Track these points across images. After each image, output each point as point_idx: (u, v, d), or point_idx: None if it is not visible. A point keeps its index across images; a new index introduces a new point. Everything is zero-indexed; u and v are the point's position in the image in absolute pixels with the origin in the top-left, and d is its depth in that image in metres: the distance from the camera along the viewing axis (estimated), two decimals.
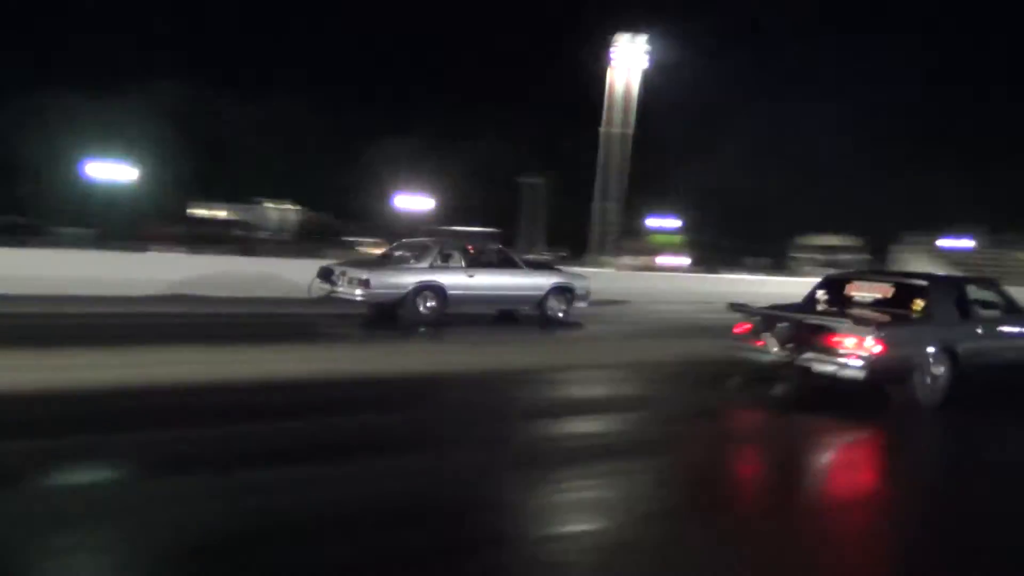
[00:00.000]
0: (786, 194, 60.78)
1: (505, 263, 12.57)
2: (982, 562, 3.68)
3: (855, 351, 6.56)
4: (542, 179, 49.54)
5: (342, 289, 11.27)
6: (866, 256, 45.06)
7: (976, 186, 63.67)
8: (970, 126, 80.00)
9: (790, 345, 6.95)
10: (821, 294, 7.99)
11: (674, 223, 52.46)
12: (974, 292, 7.73)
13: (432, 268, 11.58)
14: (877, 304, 7.58)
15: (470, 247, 12.29)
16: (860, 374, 6.51)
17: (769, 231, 55.71)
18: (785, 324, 7.09)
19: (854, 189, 64.06)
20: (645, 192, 50.67)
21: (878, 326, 6.69)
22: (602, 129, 29.56)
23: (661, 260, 48.02)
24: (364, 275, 11.03)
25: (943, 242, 53.98)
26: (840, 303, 7.77)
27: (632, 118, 29.24)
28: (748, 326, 7.47)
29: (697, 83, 55.62)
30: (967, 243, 53.85)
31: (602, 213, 29.91)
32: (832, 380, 6.70)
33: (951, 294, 7.55)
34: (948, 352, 6.95)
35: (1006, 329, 7.64)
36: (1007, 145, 74.06)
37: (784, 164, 62.06)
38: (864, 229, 49.47)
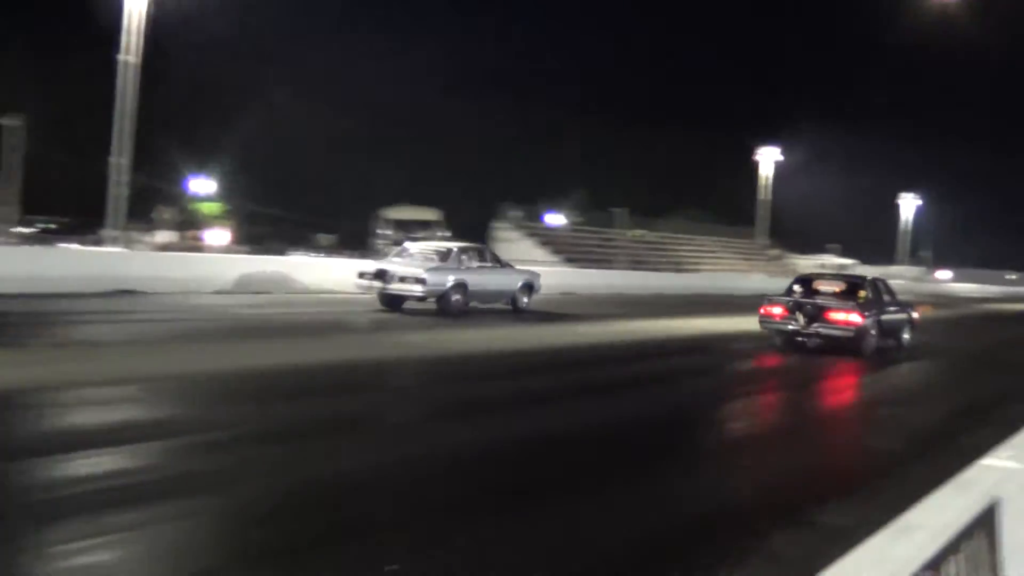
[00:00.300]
0: (365, 158, 63.90)
1: (496, 264, 21.88)
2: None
3: (848, 321, 15.89)
4: (22, 121, 44.89)
5: (395, 286, 19.04)
6: (447, 233, 48.85)
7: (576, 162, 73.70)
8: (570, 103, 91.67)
9: (805, 319, 16.10)
10: (797, 287, 17.25)
11: (213, 187, 51.66)
12: (880, 287, 17.86)
13: (459, 268, 19.84)
14: (835, 295, 16.82)
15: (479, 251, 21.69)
16: (850, 334, 15.88)
17: (343, 202, 57.96)
18: (809, 307, 16.20)
19: (448, 155, 69.43)
20: (185, 147, 49.21)
21: (859, 307, 16.12)
22: (120, 58, 27.83)
23: (210, 236, 47.36)
24: (422, 275, 18.84)
25: (549, 218, 60.62)
26: (812, 294, 16.91)
27: (141, 43, 27.88)
28: (774, 308, 16.65)
29: (242, 9, 55.50)
30: (560, 220, 61.09)
31: (118, 172, 28.34)
32: (829, 339, 16.05)
33: (874, 288, 17.49)
34: (878, 321, 16.73)
35: (892, 309, 17.96)
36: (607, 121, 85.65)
37: (364, 122, 64.87)
38: (456, 201, 53.72)
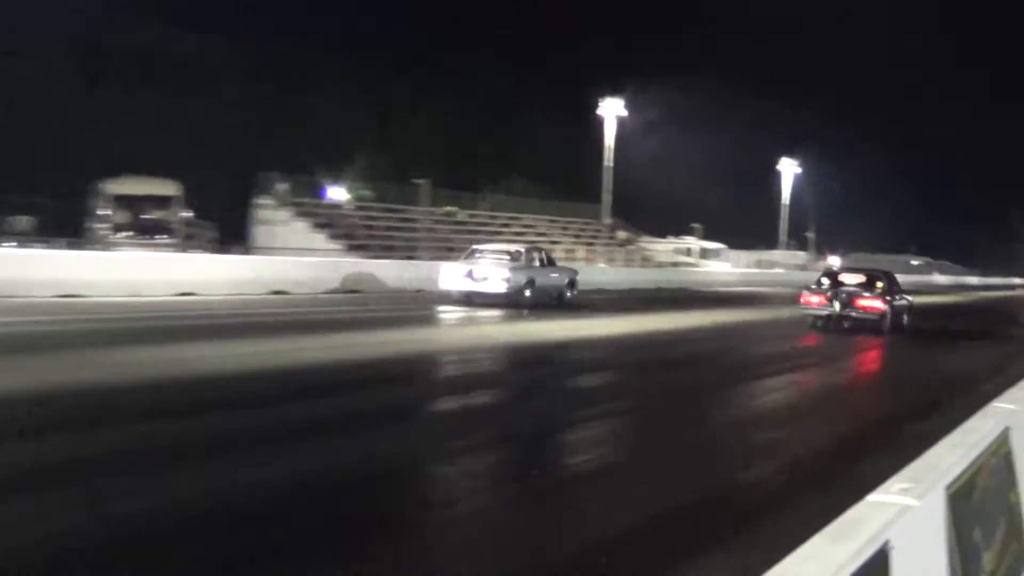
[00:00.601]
0: (73, 114, 61.39)
1: (550, 263, 33.45)
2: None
3: (874, 306, 26.83)
4: None
5: (480, 285, 29.75)
6: (188, 212, 47.65)
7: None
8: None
9: (839, 304, 26.67)
10: (825, 280, 28.19)
11: None
12: (892, 279, 28.71)
13: (529, 268, 31.12)
14: (860, 285, 27.27)
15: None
16: (876, 317, 26.80)
17: (41, 173, 55.59)
18: (843, 294, 26.81)
19: (190, 109, 67.61)
20: None
21: (881, 295, 27.11)
22: None
23: None
24: (507, 275, 29.82)
25: (331, 193, 59.87)
26: (838, 285, 27.41)
27: None
28: (813, 297, 27.27)
29: None
30: (344, 195, 60.59)
31: None
32: (859, 321, 26.73)
33: (888, 280, 28.08)
34: (892, 306, 27.32)
35: (899, 297, 28.41)
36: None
37: (66, 66, 62.46)
38: (202, 170, 52.36)
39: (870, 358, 23.31)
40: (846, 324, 26.85)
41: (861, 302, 26.60)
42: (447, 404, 12.69)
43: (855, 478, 7.57)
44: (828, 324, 26.95)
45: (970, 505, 3.60)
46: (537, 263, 32.21)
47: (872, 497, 3.05)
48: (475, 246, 33.70)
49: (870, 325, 26.50)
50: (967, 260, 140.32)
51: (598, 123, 69.94)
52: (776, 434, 11.54)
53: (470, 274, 30.23)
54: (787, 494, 8.32)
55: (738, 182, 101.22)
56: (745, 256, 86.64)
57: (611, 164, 69.37)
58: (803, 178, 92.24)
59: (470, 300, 29.71)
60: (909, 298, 29.84)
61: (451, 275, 30.94)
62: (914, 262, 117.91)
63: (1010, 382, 7.05)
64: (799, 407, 14.45)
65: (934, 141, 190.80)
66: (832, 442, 11.21)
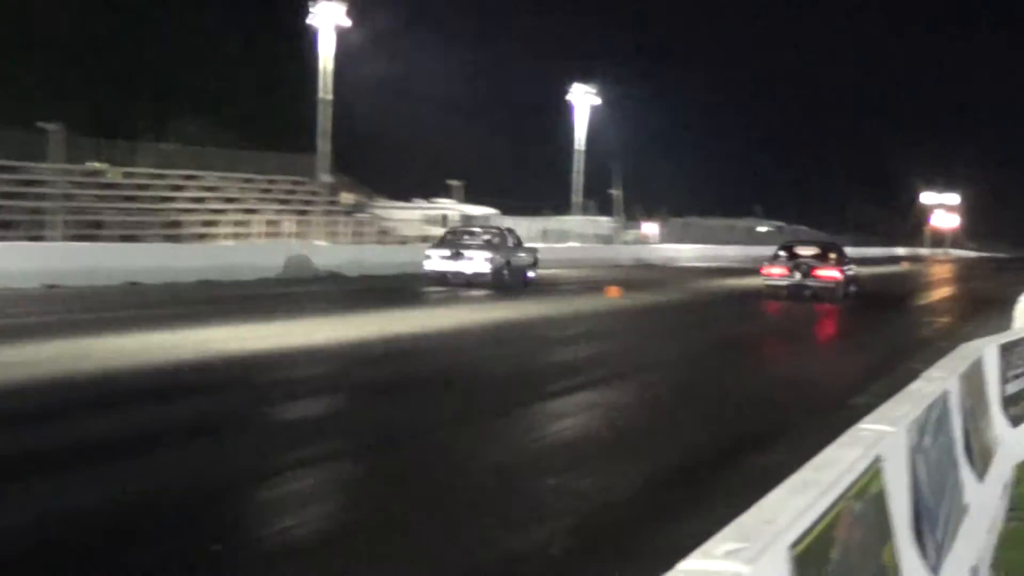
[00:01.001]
0: None
1: (519, 244, 52.51)
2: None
3: (832, 276, 46.68)
4: None
5: (462, 266, 46.92)
6: None
7: None
8: None
9: (800, 275, 46.53)
10: (782, 253, 48.73)
11: None
12: (842, 250, 52.46)
13: (507, 249, 49.90)
14: (815, 256, 48.05)
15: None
16: (833, 285, 46.42)
17: None
18: (803, 264, 46.21)
19: None
20: None
21: (836, 265, 48.23)
22: None
23: None
24: (489, 256, 47.13)
25: None
26: (795, 256, 48.21)
27: None
28: (775, 268, 47.06)
29: None
30: None
31: None
32: (819, 289, 46.35)
33: (839, 251, 50.91)
34: (845, 275, 47.86)
35: (848, 266, 49.48)
36: None
37: None
38: None
39: (708, 364, 24.07)
40: (806, 292, 41.79)
41: (819, 272, 41.77)
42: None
43: (672, 538, 7.68)
44: (792, 293, 41.73)
45: (825, 570, 3.62)
46: (511, 244, 48.19)
47: (687, 565, 3.04)
48: (448, 229, 54.44)
49: (826, 293, 41.66)
50: (834, 224, 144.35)
51: (311, 36, 68.84)
52: (567, 478, 11.68)
53: (454, 256, 45.00)
54: (575, 565, 8.40)
55: (514, 121, 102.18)
56: (527, 225, 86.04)
57: (330, 96, 68.30)
58: (604, 113, 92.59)
59: (446, 280, 44.51)
60: (855, 268, 46.74)
61: (433, 257, 45.54)
62: (761, 228, 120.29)
63: (887, 393, 7.20)
64: (605, 437, 14.70)
65: (786, 66, 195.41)
66: (644, 486, 11.40)
